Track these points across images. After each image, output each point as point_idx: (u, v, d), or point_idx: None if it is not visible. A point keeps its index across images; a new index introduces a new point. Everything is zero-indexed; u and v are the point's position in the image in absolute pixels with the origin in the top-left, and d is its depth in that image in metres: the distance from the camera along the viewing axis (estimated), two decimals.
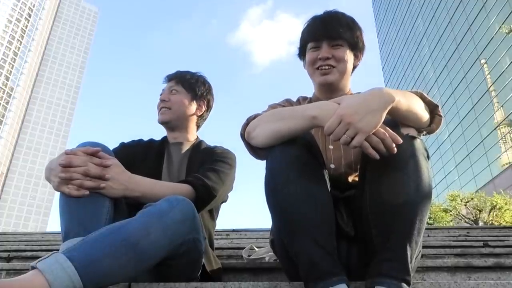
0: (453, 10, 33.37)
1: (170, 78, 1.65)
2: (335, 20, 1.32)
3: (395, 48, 50.99)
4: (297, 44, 1.45)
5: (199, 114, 1.65)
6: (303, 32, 1.38)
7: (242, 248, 1.90)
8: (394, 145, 0.92)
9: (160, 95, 1.63)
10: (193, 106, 1.62)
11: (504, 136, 25.16)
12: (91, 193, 1.06)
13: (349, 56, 1.33)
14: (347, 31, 1.31)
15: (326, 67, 1.30)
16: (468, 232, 3.48)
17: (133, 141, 1.60)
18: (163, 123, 1.59)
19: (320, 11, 1.41)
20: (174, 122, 1.59)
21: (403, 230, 0.93)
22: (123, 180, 1.13)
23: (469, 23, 30.29)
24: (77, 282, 0.81)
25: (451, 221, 18.53)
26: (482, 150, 27.59)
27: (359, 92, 1.33)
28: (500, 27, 24.18)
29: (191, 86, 1.62)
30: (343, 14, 1.36)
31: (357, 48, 1.35)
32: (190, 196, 1.23)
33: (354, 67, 1.41)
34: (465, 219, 18.24)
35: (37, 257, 0.99)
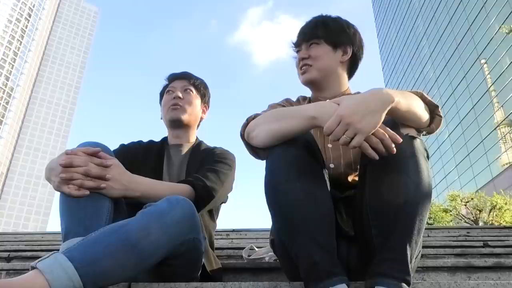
0: (453, 10, 33.37)
1: (182, 77, 1.65)
2: (310, 23, 1.39)
3: (395, 48, 51.00)
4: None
5: (203, 117, 1.69)
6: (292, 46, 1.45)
7: (242, 248, 1.90)
8: (393, 145, 0.92)
9: (170, 91, 1.61)
10: (201, 108, 1.67)
11: (504, 136, 25.16)
12: (91, 193, 1.06)
13: (329, 52, 1.35)
14: (322, 29, 1.36)
15: (304, 67, 1.36)
16: (468, 232, 3.48)
17: (132, 142, 1.60)
18: (176, 120, 1.57)
19: (319, 12, 1.44)
20: (186, 122, 1.59)
21: (403, 230, 0.93)
22: (124, 180, 1.13)
23: (469, 23, 30.29)
24: (77, 282, 0.81)
25: (451, 221, 18.53)
26: (482, 150, 27.59)
27: (358, 92, 1.33)
28: (500, 27, 24.19)
29: (200, 88, 1.67)
30: (323, 16, 1.41)
31: (339, 42, 1.36)
32: (190, 196, 1.23)
33: (350, 61, 1.39)
34: (465, 219, 18.24)
35: (37, 257, 0.99)
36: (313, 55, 1.34)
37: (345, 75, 1.40)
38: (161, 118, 1.66)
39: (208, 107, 1.73)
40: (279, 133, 1.05)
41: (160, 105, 1.69)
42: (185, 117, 1.57)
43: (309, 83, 1.38)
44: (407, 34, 45.68)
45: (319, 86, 1.37)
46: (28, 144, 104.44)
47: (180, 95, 1.58)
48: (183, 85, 1.62)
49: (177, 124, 1.58)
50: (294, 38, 1.42)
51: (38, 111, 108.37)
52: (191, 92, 1.62)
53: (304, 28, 1.40)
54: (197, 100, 1.63)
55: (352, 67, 1.42)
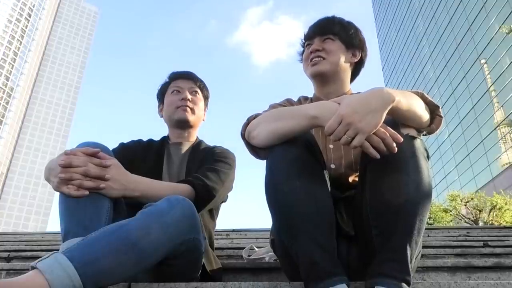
0: (453, 10, 33.37)
1: (188, 77, 1.65)
2: (327, 19, 1.41)
3: (395, 48, 51.01)
4: (297, 46, 1.50)
5: (204, 119, 1.71)
6: (302, 38, 1.46)
7: (242, 248, 1.90)
8: (394, 145, 0.92)
9: (177, 91, 1.61)
10: (204, 110, 1.69)
11: (504, 136, 25.16)
12: (90, 193, 1.06)
13: (342, 50, 1.36)
14: (338, 27, 1.38)
15: (317, 58, 1.35)
16: (468, 232, 3.47)
17: (132, 141, 1.60)
18: (184, 121, 1.58)
19: (320, 12, 1.45)
20: (193, 123, 1.60)
21: (403, 230, 0.93)
22: (123, 180, 1.13)
23: (469, 23, 30.30)
24: (77, 281, 0.81)
25: (451, 221, 18.53)
26: (482, 150, 27.59)
27: (359, 92, 1.33)
28: (500, 27, 24.20)
29: (204, 90, 1.68)
30: (337, 17, 1.43)
31: (351, 44, 1.38)
32: (190, 196, 1.23)
33: (355, 65, 1.42)
34: (465, 219, 18.23)
35: (37, 257, 0.99)
36: (327, 48, 1.35)
37: (349, 77, 1.42)
38: (161, 116, 1.66)
39: (207, 108, 1.74)
40: (279, 133, 1.04)
41: (158, 99, 1.69)
42: (192, 119, 1.59)
43: (318, 75, 1.37)
44: (407, 34, 45.69)
45: (326, 81, 1.37)
46: (28, 144, 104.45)
47: (190, 97, 1.59)
48: (190, 87, 1.63)
49: (183, 125, 1.59)
50: (307, 31, 1.43)
51: (38, 111, 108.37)
52: (197, 94, 1.64)
53: (319, 23, 1.41)
54: (201, 102, 1.65)
55: (355, 70, 1.44)
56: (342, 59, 1.36)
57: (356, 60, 1.41)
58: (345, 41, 1.37)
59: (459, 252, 2.10)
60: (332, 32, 1.37)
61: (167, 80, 1.68)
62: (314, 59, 1.36)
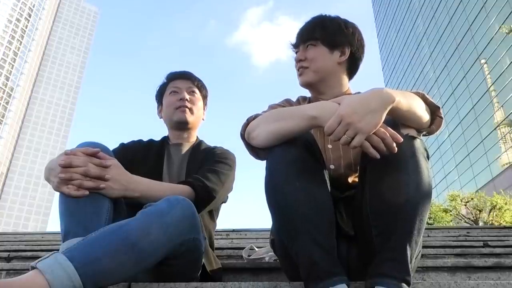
0: (453, 10, 33.38)
1: (185, 77, 1.64)
2: (308, 23, 1.38)
3: (395, 48, 51.02)
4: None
5: (203, 118, 1.70)
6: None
7: (242, 248, 1.90)
8: (394, 145, 0.92)
9: (175, 92, 1.60)
10: (203, 110, 1.68)
11: (504, 136, 25.18)
12: (91, 193, 1.06)
13: (326, 53, 1.33)
14: (319, 30, 1.34)
15: (301, 69, 1.35)
16: (468, 232, 3.47)
17: (132, 141, 1.60)
18: (183, 122, 1.57)
19: (320, 13, 1.43)
20: (192, 124, 1.59)
21: (403, 230, 0.93)
22: (123, 181, 1.13)
23: (469, 23, 30.30)
24: (77, 281, 0.81)
25: (451, 221, 18.53)
26: (482, 150, 27.60)
27: (359, 93, 1.33)
28: (500, 27, 24.22)
29: (202, 90, 1.67)
30: (321, 16, 1.39)
31: (336, 43, 1.34)
32: (190, 197, 1.23)
33: (349, 61, 1.36)
34: (465, 219, 18.24)
35: (37, 257, 0.99)
36: (309, 57, 1.34)
37: (344, 76, 1.38)
38: (160, 117, 1.66)
39: (206, 107, 1.73)
40: (279, 133, 1.04)
41: (157, 101, 1.68)
42: (191, 119, 1.58)
43: (306, 85, 1.37)
44: (407, 34, 45.69)
45: (317, 88, 1.36)
46: (28, 144, 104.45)
47: (188, 97, 1.58)
48: (188, 86, 1.62)
49: (183, 126, 1.58)
50: (293, 39, 1.42)
51: (38, 111, 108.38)
52: (195, 94, 1.62)
53: (301, 29, 1.39)
54: (200, 102, 1.64)
55: (351, 67, 1.39)
56: (327, 62, 1.33)
57: (346, 58, 1.35)
58: (328, 43, 1.33)
59: (459, 252, 2.10)
60: (312, 38, 1.34)
61: (165, 80, 1.67)
62: (299, 70, 1.36)
